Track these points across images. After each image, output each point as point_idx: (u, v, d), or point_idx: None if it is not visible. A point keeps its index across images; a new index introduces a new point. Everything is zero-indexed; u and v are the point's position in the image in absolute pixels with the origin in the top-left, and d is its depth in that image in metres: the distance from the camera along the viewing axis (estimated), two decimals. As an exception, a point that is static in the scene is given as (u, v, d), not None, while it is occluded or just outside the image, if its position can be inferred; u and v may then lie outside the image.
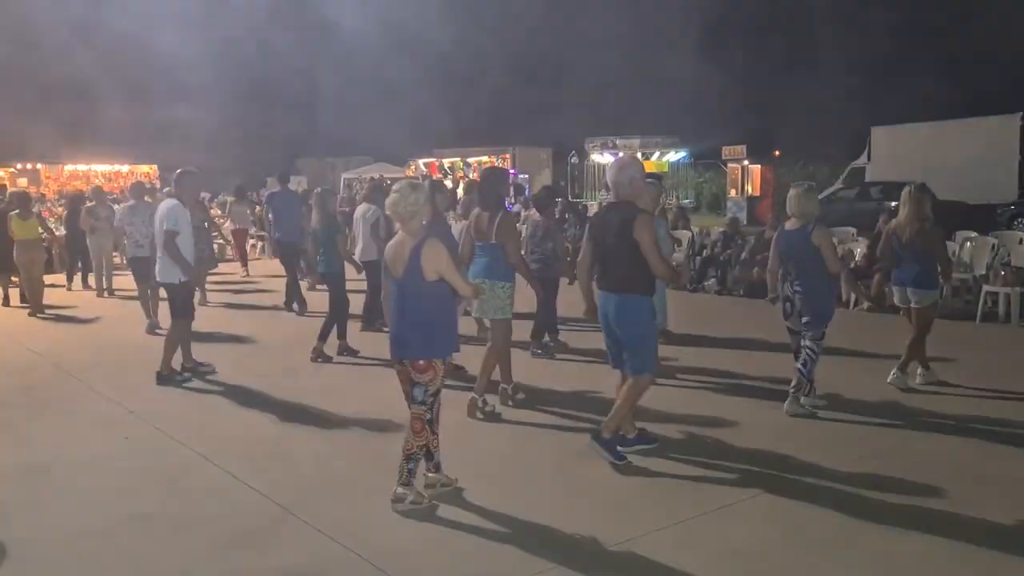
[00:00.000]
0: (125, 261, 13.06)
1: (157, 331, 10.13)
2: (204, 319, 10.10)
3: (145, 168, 36.78)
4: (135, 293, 11.14)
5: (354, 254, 9.58)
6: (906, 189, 7.47)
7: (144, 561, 4.36)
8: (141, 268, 10.55)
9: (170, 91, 35.65)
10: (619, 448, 5.53)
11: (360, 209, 10.08)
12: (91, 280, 14.46)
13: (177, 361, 8.11)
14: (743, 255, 13.27)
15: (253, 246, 19.39)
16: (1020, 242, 11.83)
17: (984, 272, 10.89)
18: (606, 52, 42.31)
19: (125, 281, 13.12)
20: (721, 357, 8.60)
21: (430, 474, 5.05)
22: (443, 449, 5.07)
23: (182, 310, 7.94)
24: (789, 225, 6.71)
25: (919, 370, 7.46)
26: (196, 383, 7.91)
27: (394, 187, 4.84)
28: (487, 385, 6.75)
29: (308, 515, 4.79)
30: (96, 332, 10.90)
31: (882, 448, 5.83)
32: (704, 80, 43.80)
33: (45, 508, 5.07)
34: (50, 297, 12.78)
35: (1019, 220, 20.39)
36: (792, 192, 6.74)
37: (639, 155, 32.08)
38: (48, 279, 13.24)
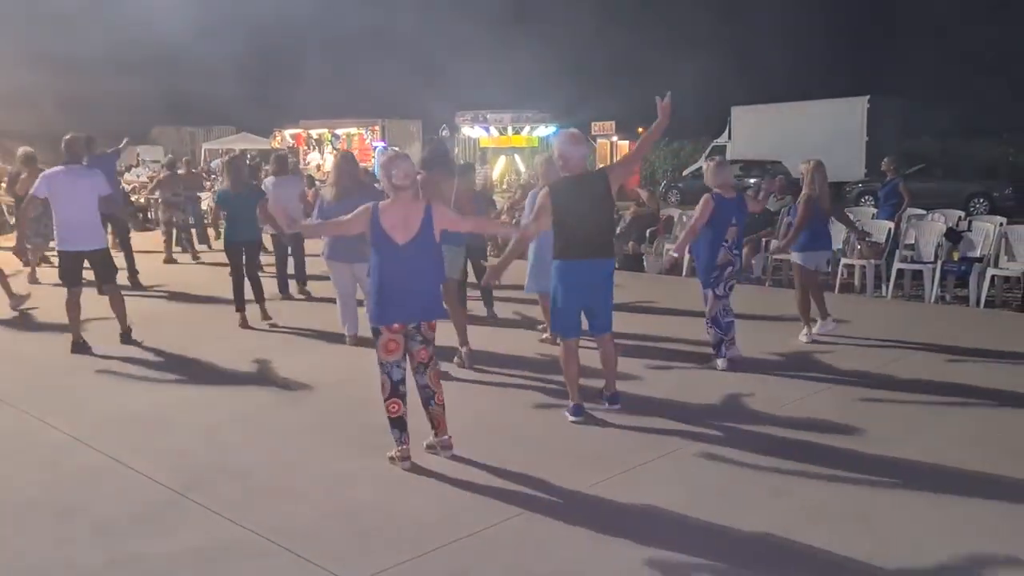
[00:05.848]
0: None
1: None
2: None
3: (-17, 134, 34.12)
4: None
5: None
6: (810, 164, 7.98)
7: (29, 551, 4.12)
8: None
9: (14, 53, 33.19)
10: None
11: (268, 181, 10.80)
12: None
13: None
14: (619, 229, 13.57)
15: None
16: (872, 217, 12.62)
17: (841, 246, 11.54)
18: (475, 25, 42.22)
19: None
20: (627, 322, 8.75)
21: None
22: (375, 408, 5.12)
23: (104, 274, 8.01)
24: (727, 195, 6.98)
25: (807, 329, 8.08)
26: (71, 359, 7.50)
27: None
28: None
29: (202, 497, 4.63)
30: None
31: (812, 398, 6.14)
32: (575, 56, 44.42)
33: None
34: None
35: (866, 197, 21.70)
36: (708, 166, 7.29)
37: (510, 129, 32.44)
38: None
